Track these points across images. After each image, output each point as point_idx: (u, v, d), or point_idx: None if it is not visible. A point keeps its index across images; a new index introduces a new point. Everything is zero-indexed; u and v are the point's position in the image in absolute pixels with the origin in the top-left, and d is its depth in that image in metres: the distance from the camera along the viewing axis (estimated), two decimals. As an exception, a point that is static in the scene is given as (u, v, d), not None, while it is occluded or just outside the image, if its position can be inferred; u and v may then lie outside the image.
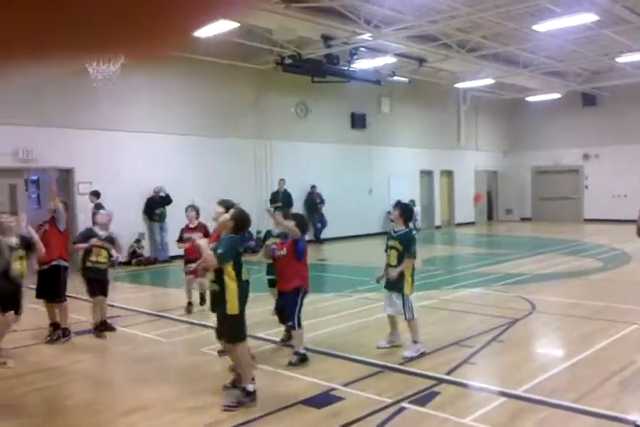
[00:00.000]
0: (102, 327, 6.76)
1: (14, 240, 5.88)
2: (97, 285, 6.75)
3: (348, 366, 5.47)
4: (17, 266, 5.80)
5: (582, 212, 23.68)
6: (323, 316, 6.26)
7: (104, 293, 6.86)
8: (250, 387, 4.53)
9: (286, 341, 6.05)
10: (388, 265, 5.85)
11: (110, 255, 6.72)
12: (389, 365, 5.39)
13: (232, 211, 4.80)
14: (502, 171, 25.50)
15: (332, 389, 4.79)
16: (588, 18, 12.35)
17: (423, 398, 4.53)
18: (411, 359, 5.48)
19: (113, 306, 8.28)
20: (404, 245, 5.75)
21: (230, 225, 4.61)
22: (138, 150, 13.60)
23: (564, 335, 6.77)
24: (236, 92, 15.62)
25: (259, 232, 15.22)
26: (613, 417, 4.12)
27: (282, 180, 15.96)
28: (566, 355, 5.84)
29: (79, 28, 0.50)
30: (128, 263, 12.93)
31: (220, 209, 5.50)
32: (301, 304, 5.54)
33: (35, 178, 16.49)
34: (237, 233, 4.64)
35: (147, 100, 13.90)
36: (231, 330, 4.63)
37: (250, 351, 4.87)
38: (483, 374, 5.30)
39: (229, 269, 4.49)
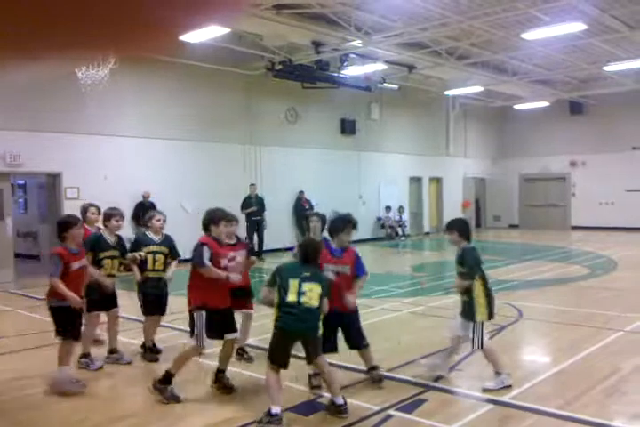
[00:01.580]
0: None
1: (112, 239, 5.94)
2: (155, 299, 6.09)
3: (335, 373, 5.45)
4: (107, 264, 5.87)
5: (569, 219, 23.86)
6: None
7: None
8: (338, 400, 4.36)
9: (317, 387, 4.98)
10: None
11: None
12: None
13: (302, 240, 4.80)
14: (490, 178, 25.64)
15: (320, 396, 4.79)
16: (577, 27, 12.47)
17: (410, 406, 4.54)
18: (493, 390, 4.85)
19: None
20: (462, 265, 5.02)
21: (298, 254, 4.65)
22: (126, 155, 13.55)
23: (550, 342, 6.80)
24: (225, 98, 15.63)
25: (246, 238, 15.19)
26: (599, 424, 4.15)
27: (252, 185, 15.50)
28: (553, 362, 5.86)
29: (74, 23, 0.51)
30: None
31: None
32: None
33: (22, 182, 16.41)
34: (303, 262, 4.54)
35: (135, 105, 13.86)
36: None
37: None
38: (470, 380, 5.31)
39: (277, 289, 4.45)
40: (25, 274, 12.51)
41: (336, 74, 15.85)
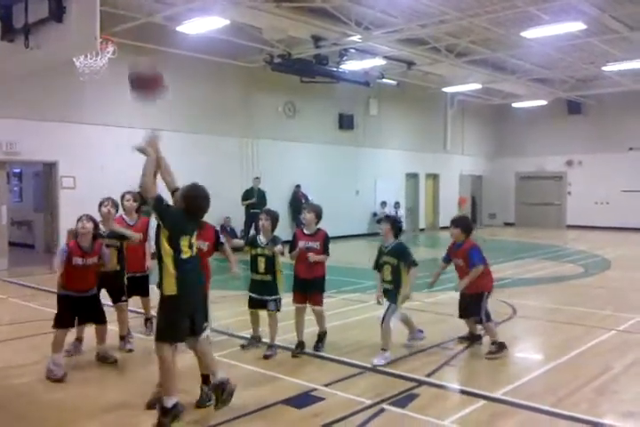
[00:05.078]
0: None
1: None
2: None
3: (329, 366, 5.48)
4: None
5: (565, 218, 23.93)
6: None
7: None
8: (168, 402, 4.01)
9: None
10: (383, 281, 5.77)
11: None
12: (370, 366, 5.40)
13: (186, 187, 4.35)
14: (487, 175, 25.67)
15: (313, 389, 4.80)
16: (576, 26, 12.48)
17: (403, 400, 4.56)
18: (380, 365, 5.40)
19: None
20: (398, 258, 5.65)
21: (181, 206, 4.22)
22: (123, 145, 13.47)
23: (543, 340, 6.83)
24: (223, 90, 15.58)
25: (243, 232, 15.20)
26: (590, 422, 4.18)
27: (257, 178, 15.62)
28: (545, 359, 5.89)
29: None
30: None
31: (310, 215, 5.79)
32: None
33: (17, 171, 16.35)
34: (188, 212, 4.20)
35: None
36: (158, 321, 4.17)
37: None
38: (462, 376, 5.33)
39: (164, 242, 4.06)
40: (19, 263, 12.48)
41: (335, 68, 15.80)
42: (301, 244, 5.82)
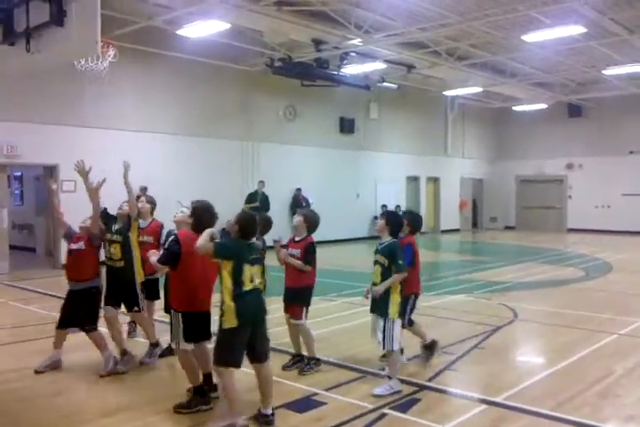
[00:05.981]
0: None
1: None
2: None
3: (331, 370, 5.46)
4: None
5: (565, 221, 23.91)
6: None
7: None
8: (239, 422, 4.05)
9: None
10: (373, 284, 5.03)
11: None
12: (371, 370, 5.39)
13: (238, 213, 4.29)
14: (488, 179, 25.66)
15: (315, 393, 4.79)
16: (576, 30, 12.48)
17: (404, 405, 4.54)
18: (379, 397, 4.71)
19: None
20: (389, 259, 4.88)
21: (235, 229, 4.20)
22: (124, 149, 13.45)
23: (545, 344, 6.82)
24: (224, 93, 15.59)
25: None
26: (592, 426, 4.16)
27: (261, 182, 15.71)
28: (547, 363, 5.88)
29: None
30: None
31: (298, 218, 5.54)
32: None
33: (18, 174, 16.35)
34: (243, 238, 4.20)
35: (133, 99, 13.82)
36: (215, 345, 4.15)
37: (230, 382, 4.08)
38: (464, 381, 5.32)
39: (225, 275, 4.07)
40: (20, 266, 12.47)
41: (336, 72, 15.81)
42: (284, 251, 5.46)
